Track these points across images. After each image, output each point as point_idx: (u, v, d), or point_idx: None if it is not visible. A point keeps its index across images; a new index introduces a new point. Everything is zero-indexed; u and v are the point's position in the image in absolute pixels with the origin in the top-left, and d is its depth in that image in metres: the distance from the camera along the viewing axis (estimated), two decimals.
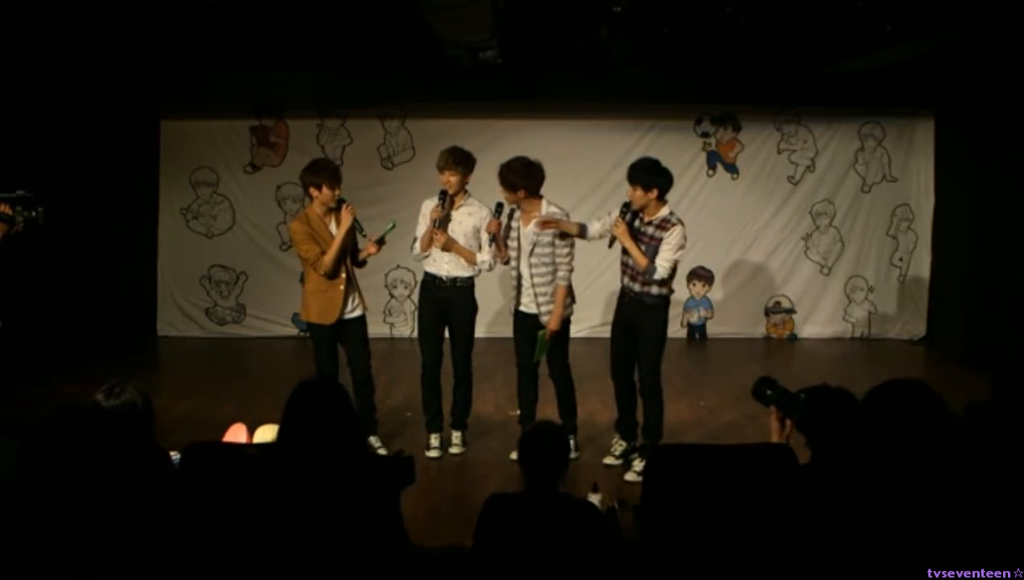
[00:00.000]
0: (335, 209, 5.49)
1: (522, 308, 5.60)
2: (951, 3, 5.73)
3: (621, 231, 5.32)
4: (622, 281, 5.53)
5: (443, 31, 6.33)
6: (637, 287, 5.40)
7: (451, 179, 5.54)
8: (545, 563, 2.86)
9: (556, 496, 3.08)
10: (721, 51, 7.29)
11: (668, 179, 5.38)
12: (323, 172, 5.47)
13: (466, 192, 5.68)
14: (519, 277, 5.57)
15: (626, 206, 5.35)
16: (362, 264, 5.73)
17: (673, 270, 5.38)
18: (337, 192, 5.45)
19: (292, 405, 2.72)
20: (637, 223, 5.40)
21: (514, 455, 5.66)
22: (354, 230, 5.50)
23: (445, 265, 5.65)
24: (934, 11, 5.85)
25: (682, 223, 5.35)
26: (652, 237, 5.33)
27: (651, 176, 5.31)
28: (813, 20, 6.20)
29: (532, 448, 3.12)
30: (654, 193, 5.30)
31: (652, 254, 5.29)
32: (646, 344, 5.46)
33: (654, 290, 5.36)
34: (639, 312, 5.42)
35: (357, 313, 5.64)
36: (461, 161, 5.57)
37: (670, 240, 5.28)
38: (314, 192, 5.48)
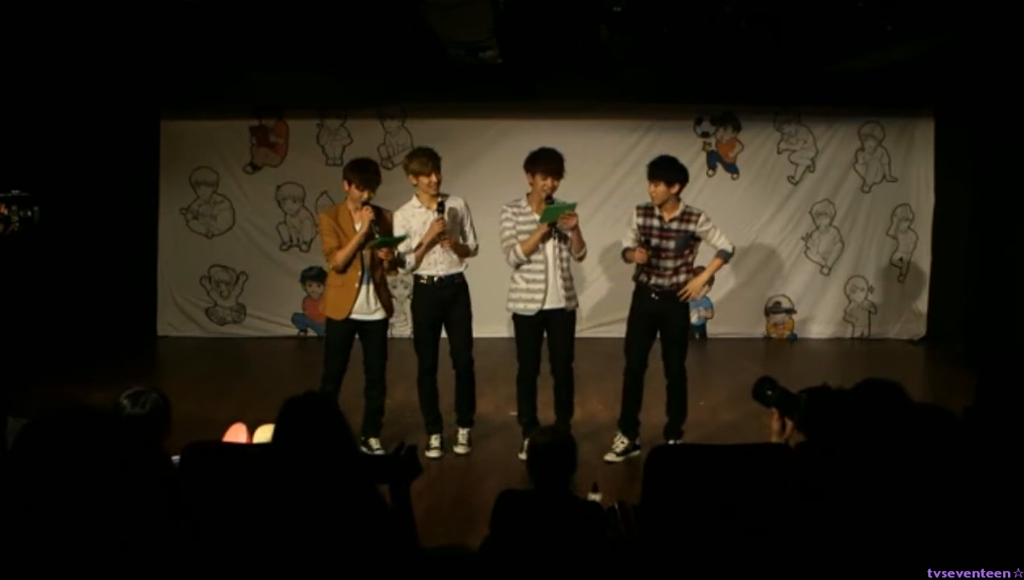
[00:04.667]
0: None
1: (546, 306, 5.53)
2: (951, 3, 5.73)
3: (643, 257, 5.52)
4: (645, 280, 5.60)
5: (443, 31, 6.33)
6: (666, 283, 5.56)
7: (435, 179, 5.54)
8: (552, 560, 2.88)
9: (565, 497, 3.10)
10: (721, 51, 7.29)
11: (687, 175, 5.66)
12: (354, 171, 5.53)
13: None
14: (545, 271, 5.51)
15: (647, 243, 5.52)
16: (393, 266, 5.63)
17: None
18: (365, 194, 5.46)
19: (281, 425, 2.72)
20: (658, 222, 5.55)
21: (523, 455, 5.69)
22: (371, 234, 5.46)
23: (440, 265, 5.64)
24: (934, 11, 5.85)
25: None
26: (679, 230, 5.54)
27: (674, 172, 5.52)
28: (813, 20, 6.19)
29: (543, 458, 3.13)
30: (676, 188, 5.50)
31: (683, 244, 5.52)
32: (680, 337, 5.73)
33: (682, 278, 5.59)
34: (670, 307, 5.59)
35: (377, 316, 5.62)
36: (438, 159, 5.59)
37: (711, 223, 5.59)
38: (345, 186, 5.55)
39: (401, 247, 5.59)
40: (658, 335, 5.74)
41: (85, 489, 2.11)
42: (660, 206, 5.52)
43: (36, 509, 2.07)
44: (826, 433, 2.93)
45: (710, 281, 5.68)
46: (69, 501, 2.09)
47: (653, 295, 5.59)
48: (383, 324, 5.68)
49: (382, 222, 5.55)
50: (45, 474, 2.10)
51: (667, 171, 5.48)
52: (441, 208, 5.52)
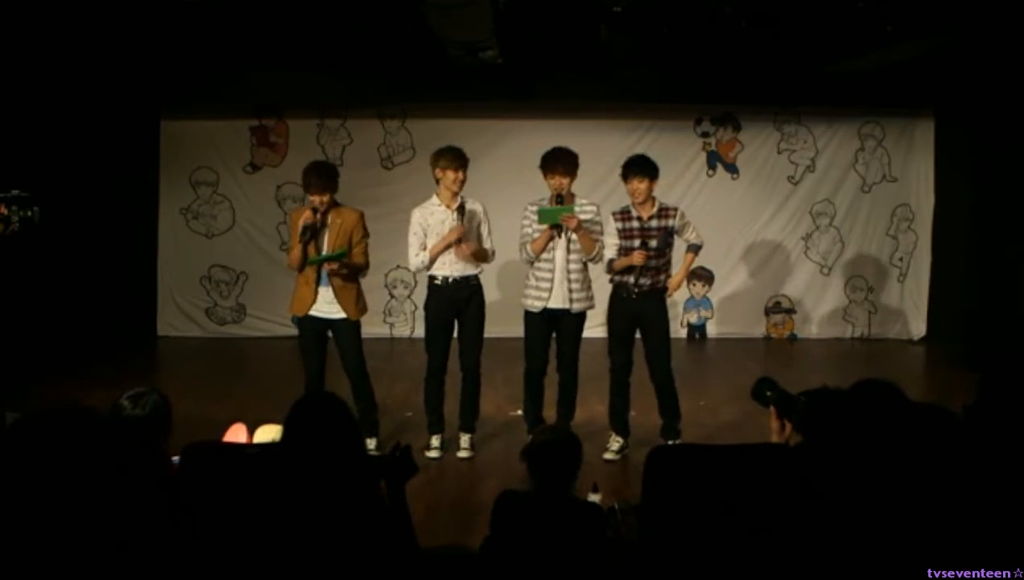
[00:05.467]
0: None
1: (550, 305, 5.56)
2: (951, 4, 5.74)
3: (641, 259, 5.50)
4: (623, 279, 5.58)
5: (443, 31, 6.34)
6: (648, 282, 5.56)
7: (461, 176, 5.56)
8: (551, 560, 2.87)
9: (564, 497, 3.09)
10: (721, 51, 7.29)
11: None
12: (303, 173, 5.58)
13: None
14: (553, 271, 5.54)
15: (644, 245, 5.49)
16: (352, 275, 5.59)
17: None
18: (312, 194, 5.43)
19: (292, 421, 2.71)
20: (637, 223, 5.55)
21: None
22: (305, 233, 5.43)
23: (457, 265, 5.62)
24: (934, 11, 5.86)
25: None
26: (659, 227, 5.55)
27: (655, 167, 5.58)
28: (813, 20, 6.20)
29: (542, 457, 3.11)
30: (655, 183, 5.57)
31: (664, 242, 5.55)
32: (662, 338, 5.68)
33: (662, 277, 5.63)
34: (650, 306, 5.59)
35: (338, 315, 5.59)
36: (467, 161, 5.61)
37: (687, 220, 5.66)
38: None
39: (412, 250, 5.59)
40: (640, 336, 5.73)
41: (73, 486, 2.10)
42: (639, 205, 5.55)
43: (28, 507, 2.07)
44: (825, 435, 2.93)
45: (658, 270, 5.62)
46: (57, 499, 2.08)
47: (633, 294, 5.56)
48: (348, 323, 5.62)
49: (332, 223, 5.49)
50: (33, 472, 2.09)
51: (650, 167, 5.54)
52: (461, 211, 5.52)
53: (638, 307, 5.58)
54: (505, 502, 3.05)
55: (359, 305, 5.66)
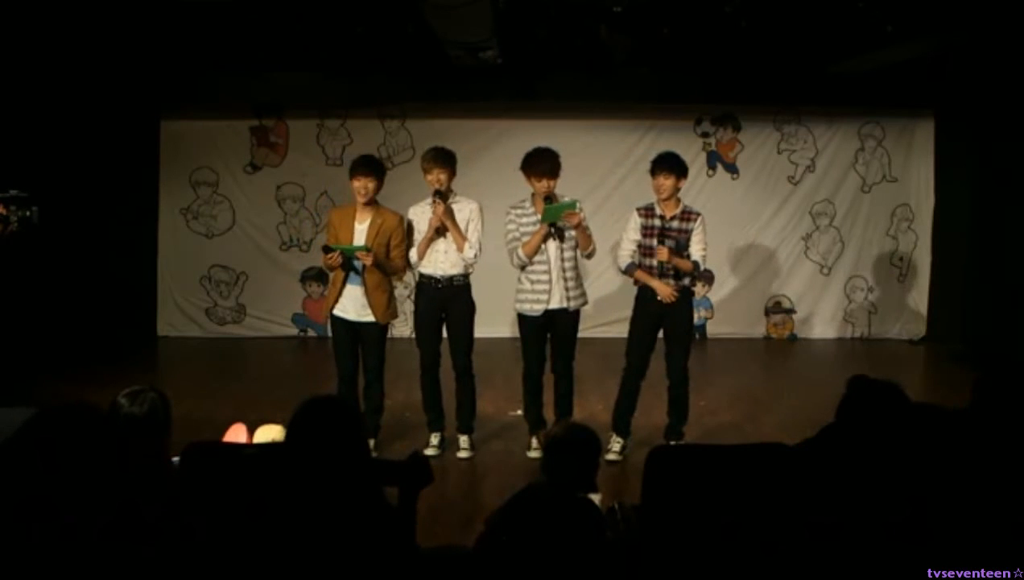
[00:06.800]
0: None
1: (551, 305, 5.54)
2: (951, 4, 5.74)
3: (665, 255, 5.48)
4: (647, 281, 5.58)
5: (443, 31, 6.34)
6: (672, 283, 5.53)
7: (437, 176, 5.55)
8: (550, 559, 2.86)
9: (567, 495, 3.08)
10: (721, 51, 7.30)
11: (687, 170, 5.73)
12: None
13: (451, 190, 5.68)
14: (549, 271, 5.53)
15: (662, 237, 5.47)
16: (345, 268, 5.59)
17: None
18: (357, 182, 5.54)
19: (295, 423, 2.71)
20: (659, 221, 5.54)
21: (531, 453, 5.71)
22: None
23: (441, 265, 5.63)
24: (934, 11, 5.86)
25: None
26: (679, 230, 5.52)
27: (682, 165, 5.56)
28: (813, 20, 6.20)
29: (555, 452, 3.06)
30: (682, 182, 5.54)
31: (684, 245, 5.50)
32: (683, 337, 5.68)
33: (686, 281, 5.59)
34: (676, 306, 5.55)
35: (367, 318, 5.59)
36: (447, 158, 5.60)
37: (700, 233, 5.54)
38: None
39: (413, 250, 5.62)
40: (660, 335, 5.73)
41: (75, 485, 2.10)
42: (664, 202, 5.52)
43: (31, 507, 2.07)
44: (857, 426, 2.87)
45: (678, 275, 5.55)
46: (58, 499, 2.08)
47: (658, 297, 5.56)
48: (375, 327, 5.63)
49: (372, 223, 5.51)
50: (41, 470, 2.09)
51: (677, 165, 5.52)
52: (438, 195, 5.50)
53: (662, 308, 5.56)
54: (517, 498, 3.02)
55: (389, 309, 5.66)
